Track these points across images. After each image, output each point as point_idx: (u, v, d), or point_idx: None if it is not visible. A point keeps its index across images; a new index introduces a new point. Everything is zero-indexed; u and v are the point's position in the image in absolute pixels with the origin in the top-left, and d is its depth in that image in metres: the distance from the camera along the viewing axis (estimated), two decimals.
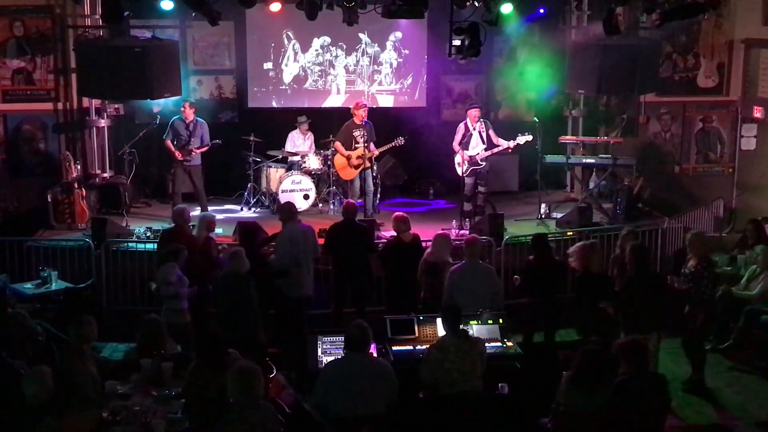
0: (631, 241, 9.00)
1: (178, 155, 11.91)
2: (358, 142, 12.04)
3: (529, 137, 11.87)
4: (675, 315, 9.18)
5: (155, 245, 10.09)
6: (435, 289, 8.82)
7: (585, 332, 8.81)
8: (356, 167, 12.12)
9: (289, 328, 9.13)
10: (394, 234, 9.64)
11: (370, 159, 12.07)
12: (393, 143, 12.08)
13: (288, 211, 9.48)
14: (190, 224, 9.81)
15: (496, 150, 11.98)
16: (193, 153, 11.97)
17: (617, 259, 9.21)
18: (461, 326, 7.18)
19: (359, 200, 12.00)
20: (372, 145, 12.06)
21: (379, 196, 12.85)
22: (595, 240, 9.99)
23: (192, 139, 11.97)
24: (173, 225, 9.77)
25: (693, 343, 8.97)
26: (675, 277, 9.11)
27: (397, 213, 9.77)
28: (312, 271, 9.35)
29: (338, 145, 12.17)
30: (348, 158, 12.11)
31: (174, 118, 12.14)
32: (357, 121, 12.04)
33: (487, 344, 7.39)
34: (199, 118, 12.16)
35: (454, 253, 9.38)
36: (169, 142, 11.99)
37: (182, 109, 12.04)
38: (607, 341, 7.42)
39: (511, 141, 11.90)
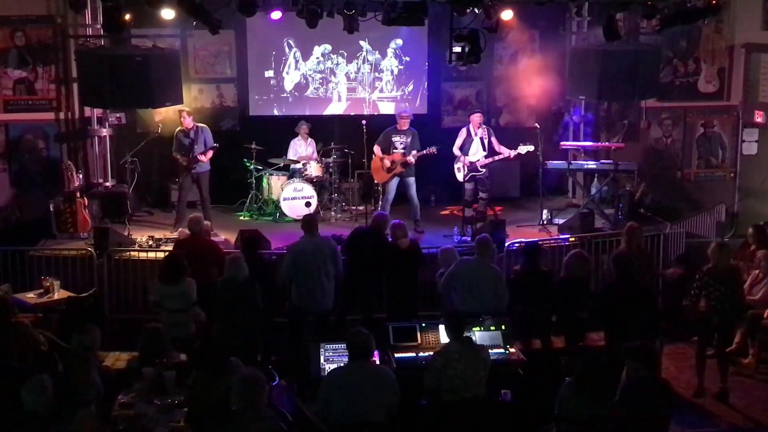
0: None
1: (183, 161, 11.96)
2: (396, 148, 12.09)
3: (530, 147, 11.92)
4: (677, 322, 9.21)
5: (157, 254, 10.10)
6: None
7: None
8: (389, 171, 12.13)
9: (291, 337, 9.12)
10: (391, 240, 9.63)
11: (404, 165, 12.07)
12: (425, 151, 12.05)
13: (306, 222, 9.36)
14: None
15: (497, 157, 12.03)
16: (200, 159, 11.97)
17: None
18: (465, 333, 7.19)
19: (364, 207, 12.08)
20: (413, 152, 12.03)
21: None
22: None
23: (195, 146, 11.99)
24: (189, 233, 9.76)
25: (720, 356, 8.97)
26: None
27: (393, 221, 9.80)
28: (327, 286, 9.04)
29: (376, 148, 12.22)
30: (382, 161, 12.13)
31: (176, 129, 12.18)
32: (399, 127, 12.10)
33: (489, 351, 7.38)
34: (199, 124, 12.18)
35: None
36: (175, 155, 12.07)
37: (181, 117, 12.06)
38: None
39: (513, 150, 11.93)
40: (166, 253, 9.27)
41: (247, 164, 12.99)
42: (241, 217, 13.05)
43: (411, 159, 12.02)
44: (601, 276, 10.27)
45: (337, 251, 9.14)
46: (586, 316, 8.58)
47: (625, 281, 8.25)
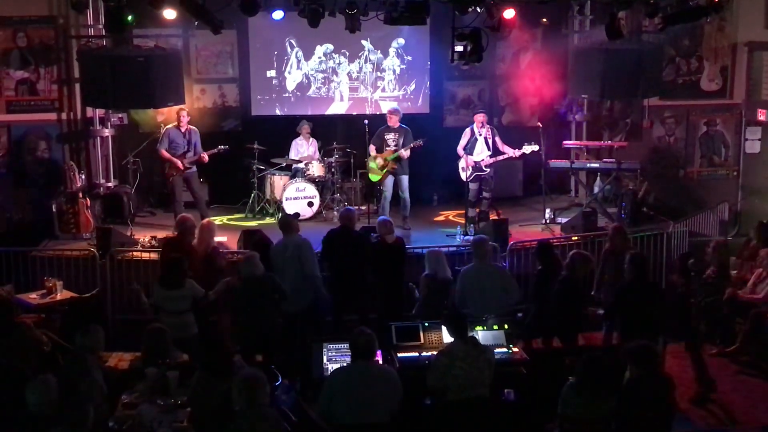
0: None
1: (180, 165, 11.87)
2: (389, 145, 12.10)
3: (535, 147, 11.91)
4: (680, 321, 9.18)
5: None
6: (436, 304, 8.76)
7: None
8: (381, 169, 12.16)
9: (291, 337, 9.10)
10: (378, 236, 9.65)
11: (396, 161, 12.06)
12: (412, 145, 12.03)
13: (281, 224, 9.39)
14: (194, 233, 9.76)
15: (501, 157, 12.02)
16: (203, 159, 11.93)
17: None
18: (469, 333, 7.18)
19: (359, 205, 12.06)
20: (403, 149, 12.02)
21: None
22: None
23: (190, 147, 11.94)
24: (175, 234, 9.74)
25: (694, 352, 8.95)
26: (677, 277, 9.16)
27: (379, 218, 9.91)
28: (293, 286, 8.90)
29: (371, 147, 12.25)
30: (374, 159, 12.17)
31: (168, 126, 12.08)
32: (390, 124, 12.13)
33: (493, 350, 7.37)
34: (190, 126, 12.07)
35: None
36: (164, 152, 11.90)
37: (181, 116, 11.91)
38: None
39: (517, 150, 11.92)
40: (166, 258, 9.14)
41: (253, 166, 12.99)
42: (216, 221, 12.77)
43: (403, 153, 12.00)
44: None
45: (302, 250, 9.03)
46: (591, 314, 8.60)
47: (641, 281, 8.22)
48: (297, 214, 11.09)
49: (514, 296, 8.75)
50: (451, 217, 13.10)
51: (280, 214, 10.19)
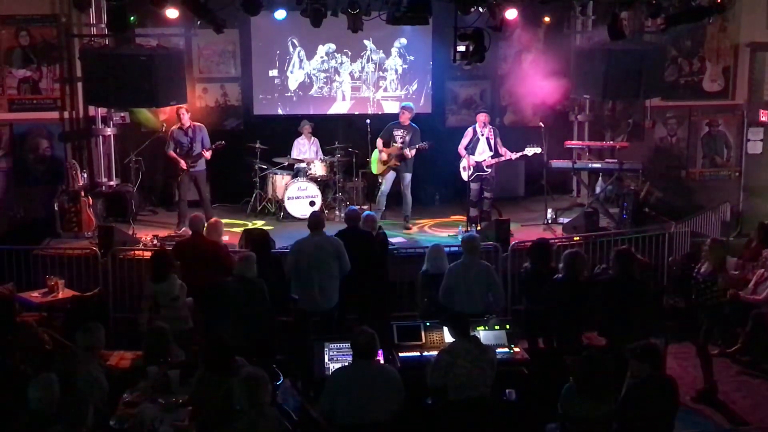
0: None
1: (184, 165, 11.88)
2: (396, 141, 12.15)
3: (537, 149, 11.92)
4: (681, 321, 9.19)
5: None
6: (434, 298, 8.76)
7: None
8: (384, 163, 12.20)
9: (296, 336, 9.10)
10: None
11: (399, 158, 12.08)
12: (417, 146, 12.06)
13: (311, 221, 9.30)
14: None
15: (501, 159, 12.01)
16: (204, 156, 11.93)
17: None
18: (471, 333, 7.18)
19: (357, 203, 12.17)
20: (408, 148, 12.05)
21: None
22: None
23: (194, 145, 11.93)
24: (192, 232, 9.71)
25: (699, 351, 8.95)
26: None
27: (365, 212, 10.08)
28: (325, 285, 8.93)
29: (379, 141, 12.31)
30: (380, 153, 12.25)
31: (172, 128, 12.10)
32: (401, 121, 12.18)
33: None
34: (195, 122, 12.10)
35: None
36: (171, 153, 11.95)
37: (181, 115, 11.90)
38: None
39: (518, 153, 11.92)
40: (153, 252, 9.21)
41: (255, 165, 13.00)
42: None
43: (407, 153, 12.01)
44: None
45: (340, 249, 9.03)
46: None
47: (625, 278, 8.19)
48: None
49: (498, 297, 8.74)
50: (426, 228, 12.74)
51: (312, 212, 10.11)
